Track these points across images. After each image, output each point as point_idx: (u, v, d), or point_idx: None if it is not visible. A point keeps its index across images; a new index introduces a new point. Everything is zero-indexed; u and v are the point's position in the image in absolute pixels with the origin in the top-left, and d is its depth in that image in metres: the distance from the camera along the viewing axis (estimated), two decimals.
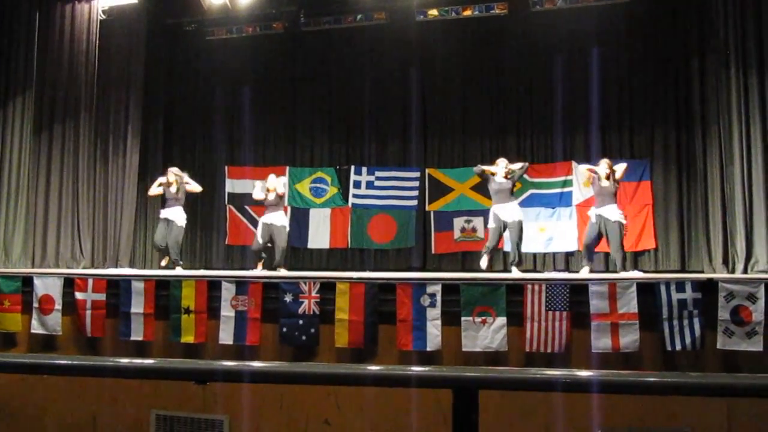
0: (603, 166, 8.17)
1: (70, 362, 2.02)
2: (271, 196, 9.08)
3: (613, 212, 7.99)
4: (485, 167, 8.61)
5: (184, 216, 9.34)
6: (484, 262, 8.47)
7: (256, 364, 1.92)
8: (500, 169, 8.44)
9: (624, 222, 8.14)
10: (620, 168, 8.16)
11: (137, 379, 1.85)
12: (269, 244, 9.16)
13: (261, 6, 10.81)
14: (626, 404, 5.06)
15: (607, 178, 8.08)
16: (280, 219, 9.13)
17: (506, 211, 8.39)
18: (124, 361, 2.01)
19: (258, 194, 9.16)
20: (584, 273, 7.95)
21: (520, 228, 8.39)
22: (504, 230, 8.48)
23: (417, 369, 1.86)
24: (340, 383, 1.81)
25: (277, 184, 9.14)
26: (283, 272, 8.63)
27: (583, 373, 1.82)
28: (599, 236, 8.14)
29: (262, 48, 11.78)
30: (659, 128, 10.17)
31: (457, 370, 1.79)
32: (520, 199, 10.43)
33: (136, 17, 10.66)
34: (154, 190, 9.48)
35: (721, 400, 4.53)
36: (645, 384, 1.79)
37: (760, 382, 1.75)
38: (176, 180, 9.27)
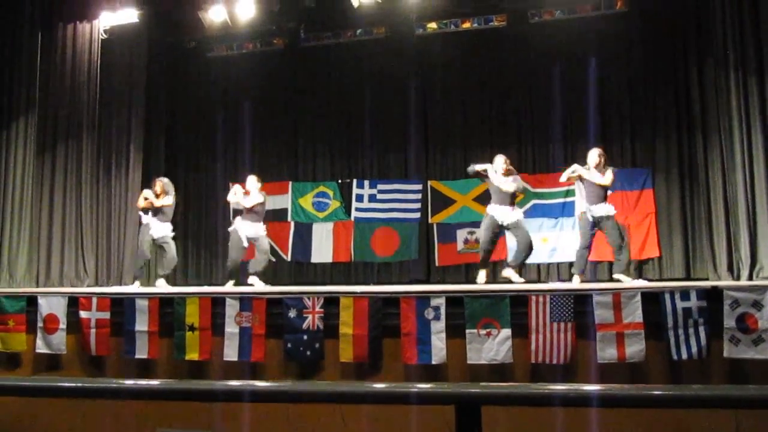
0: (593, 155, 7.96)
1: (73, 384, 2.02)
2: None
3: (609, 208, 7.81)
4: (478, 167, 8.18)
5: (170, 229, 9.29)
6: (481, 278, 8.17)
7: (260, 384, 1.91)
8: (498, 165, 8.07)
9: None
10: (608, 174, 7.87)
11: (142, 400, 1.85)
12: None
13: (261, 23, 10.86)
14: (633, 417, 5.03)
15: (597, 168, 7.82)
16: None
17: (503, 211, 7.98)
18: (129, 382, 2.00)
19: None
20: (576, 283, 7.68)
21: (524, 228, 8.04)
22: (498, 234, 8.11)
23: (419, 386, 1.85)
24: (343, 402, 1.81)
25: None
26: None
27: (587, 387, 1.81)
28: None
29: (262, 64, 11.84)
30: (660, 136, 10.17)
31: (459, 386, 1.78)
32: (523, 210, 10.43)
33: (137, 36, 10.73)
34: (142, 202, 9.38)
35: (730, 411, 4.50)
36: (649, 397, 1.79)
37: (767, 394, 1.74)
38: (161, 193, 9.16)
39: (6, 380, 2.14)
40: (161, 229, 9.20)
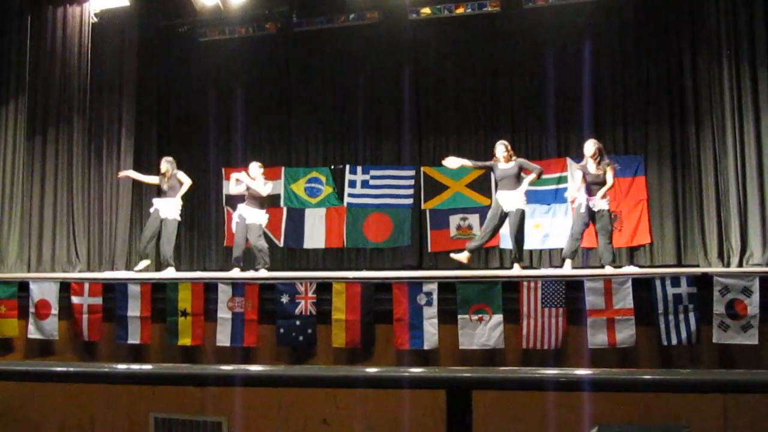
0: (590, 146, 7.90)
1: (66, 369, 2.03)
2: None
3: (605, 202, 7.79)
4: (479, 164, 8.37)
5: (178, 209, 9.13)
6: (462, 256, 7.97)
7: (252, 368, 1.92)
8: (499, 153, 7.98)
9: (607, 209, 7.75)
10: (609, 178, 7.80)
11: (135, 384, 1.86)
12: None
13: (253, 7, 10.79)
14: (623, 401, 5.08)
15: (594, 159, 7.78)
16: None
17: (508, 198, 7.84)
18: (121, 367, 2.01)
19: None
20: (567, 269, 7.64)
21: (519, 219, 7.80)
22: (502, 221, 7.95)
23: (411, 370, 1.87)
24: (334, 386, 1.82)
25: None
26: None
27: (578, 372, 1.83)
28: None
29: (255, 49, 11.76)
30: (653, 123, 10.19)
31: (450, 370, 1.79)
32: None
33: (128, 20, 10.64)
34: (149, 179, 9.46)
35: (718, 395, 4.55)
36: (640, 381, 1.80)
37: (755, 378, 1.76)
38: (167, 169, 9.08)
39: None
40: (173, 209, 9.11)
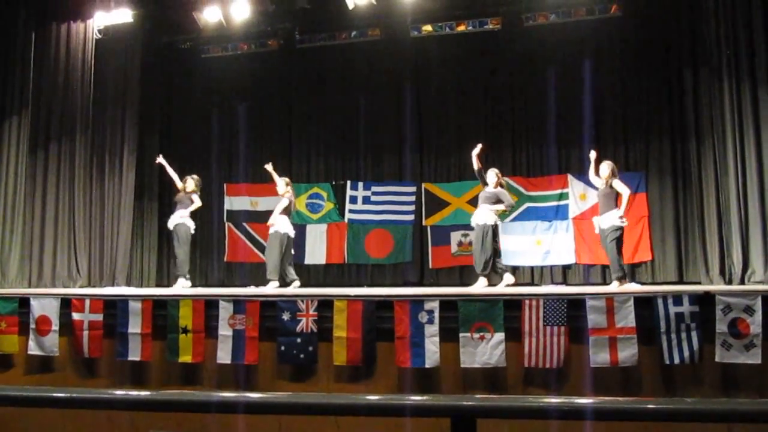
0: (604, 167, 8.23)
1: (67, 395, 2.02)
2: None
3: (606, 219, 8.04)
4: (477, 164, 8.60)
5: (189, 221, 9.37)
6: (508, 280, 8.33)
7: (253, 395, 1.92)
8: (490, 179, 8.48)
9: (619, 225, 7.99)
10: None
11: (134, 411, 1.86)
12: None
13: (256, 23, 10.87)
14: (626, 424, 5.04)
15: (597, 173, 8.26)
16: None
17: (478, 212, 8.40)
18: (120, 393, 2.00)
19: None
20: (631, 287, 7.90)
21: (482, 233, 8.22)
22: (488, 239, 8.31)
23: (415, 398, 1.86)
24: (336, 414, 1.81)
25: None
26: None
27: (581, 401, 1.82)
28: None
29: (257, 65, 11.84)
30: (654, 140, 10.22)
31: (455, 398, 1.79)
32: (517, 213, 10.50)
33: (132, 36, 10.71)
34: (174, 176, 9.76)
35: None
36: (644, 411, 1.80)
37: (761, 408, 1.76)
38: (187, 187, 9.45)
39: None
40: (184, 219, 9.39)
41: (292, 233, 9.04)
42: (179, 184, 9.66)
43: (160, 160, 9.92)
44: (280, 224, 8.90)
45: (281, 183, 9.14)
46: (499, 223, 8.55)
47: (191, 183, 9.53)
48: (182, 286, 9.25)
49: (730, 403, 1.79)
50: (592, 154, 8.44)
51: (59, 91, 10.01)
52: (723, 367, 6.05)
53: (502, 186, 8.54)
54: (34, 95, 9.78)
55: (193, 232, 9.55)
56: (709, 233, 8.88)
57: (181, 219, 9.36)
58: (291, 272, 8.93)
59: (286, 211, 8.98)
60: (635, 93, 10.35)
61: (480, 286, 8.17)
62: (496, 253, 8.43)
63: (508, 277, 8.41)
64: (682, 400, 1.76)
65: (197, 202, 9.45)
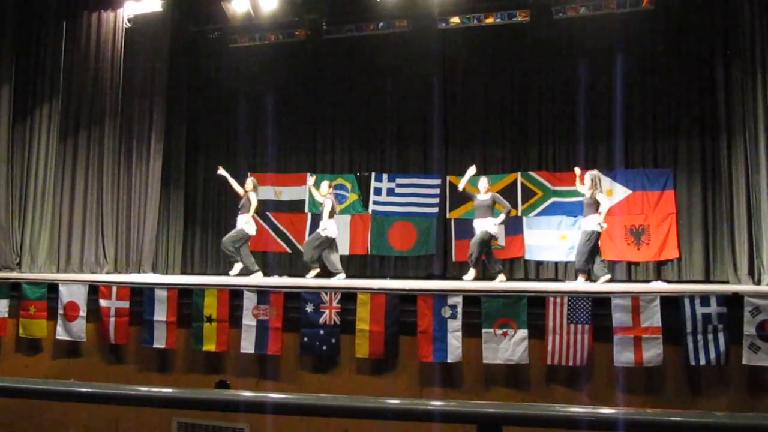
0: (587, 178, 8.60)
1: (92, 390, 2.05)
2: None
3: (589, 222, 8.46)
4: (464, 184, 8.98)
5: (247, 223, 9.52)
6: (500, 280, 8.66)
7: (276, 396, 1.93)
8: (481, 185, 8.92)
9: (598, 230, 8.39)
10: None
11: (160, 408, 1.88)
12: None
13: (284, 14, 10.86)
14: None
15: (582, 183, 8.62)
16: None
17: (480, 225, 8.88)
18: (143, 389, 2.03)
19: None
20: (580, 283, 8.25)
21: (479, 238, 8.77)
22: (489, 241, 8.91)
23: (440, 403, 1.86)
24: (360, 417, 1.82)
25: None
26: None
27: (610, 411, 1.81)
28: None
29: (284, 55, 11.85)
30: (683, 136, 10.06)
31: (481, 405, 1.78)
32: (542, 208, 10.45)
33: (161, 25, 10.77)
34: (235, 185, 9.85)
35: None
36: (671, 423, 1.78)
37: None
38: (244, 189, 9.63)
39: (20, 382, 2.18)
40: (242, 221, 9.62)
41: (332, 234, 9.27)
42: (240, 190, 9.75)
43: (222, 172, 9.99)
44: (329, 229, 9.26)
45: (249, 184, 9.59)
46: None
47: (249, 183, 9.72)
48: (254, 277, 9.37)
49: (759, 418, 1.76)
50: (577, 170, 8.86)
51: (89, 79, 10.12)
52: (750, 370, 5.96)
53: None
54: (64, 83, 9.91)
55: (252, 233, 9.67)
56: (738, 232, 8.72)
57: (242, 223, 9.54)
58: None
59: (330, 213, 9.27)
60: (665, 87, 10.18)
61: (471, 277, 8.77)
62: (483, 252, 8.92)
63: (501, 277, 8.84)
64: (711, 414, 1.74)
65: (254, 201, 9.55)
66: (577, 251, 8.61)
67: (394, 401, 1.90)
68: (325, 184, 9.55)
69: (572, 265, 10.36)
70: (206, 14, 11.36)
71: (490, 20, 10.72)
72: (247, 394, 2.00)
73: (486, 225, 8.83)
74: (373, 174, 11.44)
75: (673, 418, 1.79)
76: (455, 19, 10.81)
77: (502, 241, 10.44)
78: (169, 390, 2.13)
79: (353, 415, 1.87)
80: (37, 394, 2.22)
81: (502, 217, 8.93)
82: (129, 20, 10.57)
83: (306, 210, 11.54)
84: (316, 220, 11.46)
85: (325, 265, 9.23)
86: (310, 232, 11.46)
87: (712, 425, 1.73)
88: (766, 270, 8.00)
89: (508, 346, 6.36)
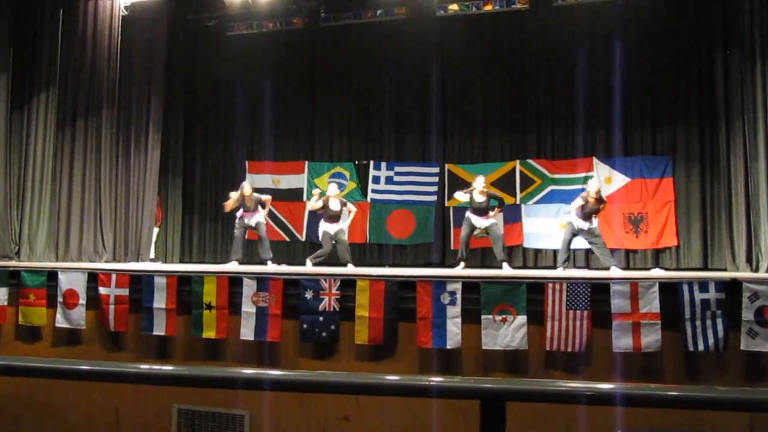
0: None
1: (92, 368, 2.05)
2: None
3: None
4: (460, 194, 9.16)
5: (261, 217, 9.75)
6: (459, 269, 8.67)
7: (275, 373, 1.93)
8: (477, 184, 8.94)
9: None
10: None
11: (159, 385, 1.89)
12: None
13: (282, 2, 10.83)
14: (647, 410, 5.02)
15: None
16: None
17: (479, 221, 9.00)
18: (144, 367, 2.03)
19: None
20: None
21: (468, 223, 9.00)
22: (471, 235, 9.15)
23: (444, 379, 1.86)
24: (360, 393, 1.82)
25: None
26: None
27: (610, 386, 1.81)
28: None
29: (282, 43, 11.80)
30: (682, 124, 10.06)
31: (484, 380, 1.79)
32: (540, 195, 10.47)
33: (158, 13, 10.72)
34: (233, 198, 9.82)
35: None
36: (668, 398, 1.79)
37: None
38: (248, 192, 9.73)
39: (24, 360, 2.18)
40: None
41: (332, 231, 9.31)
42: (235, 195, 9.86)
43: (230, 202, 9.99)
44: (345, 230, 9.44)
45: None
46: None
47: (256, 196, 9.86)
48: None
49: (754, 393, 1.77)
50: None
51: (86, 67, 10.07)
52: (748, 356, 6.00)
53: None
54: (61, 72, 9.85)
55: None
56: (736, 219, 8.74)
57: (256, 219, 9.79)
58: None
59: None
60: (664, 75, 10.16)
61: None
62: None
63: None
64: (707, 388, 1.75)
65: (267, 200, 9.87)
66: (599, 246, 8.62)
67: (396, 378, 1.90)
68: (333, 186, 9.67)
69: (571, 252, 10.42)
70: (204, 2, 11.33)
71: (488, 7, 10.71)
72: (247, 371, 2.00)
73: (485, 222, 9.00)
74: (371, 162, 11.42)
75: (673, 393, 1.80)
76: (454, 6, 10.79)
77: (501, 229, 10.43)
78: (169, 368, 2.13)
79: (356, 391, 1.87)
80: (38, 372, 2.23)
81: (495, 210, 9.13)
82: (126, 8, 10.52)
83: (304, 199, 11.52)
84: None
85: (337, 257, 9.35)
86: (309, 222, 11.49)
87: (709, 399, 1.74)
88: (764, 257, 8.00)
89: (507, 332, 6.38)
